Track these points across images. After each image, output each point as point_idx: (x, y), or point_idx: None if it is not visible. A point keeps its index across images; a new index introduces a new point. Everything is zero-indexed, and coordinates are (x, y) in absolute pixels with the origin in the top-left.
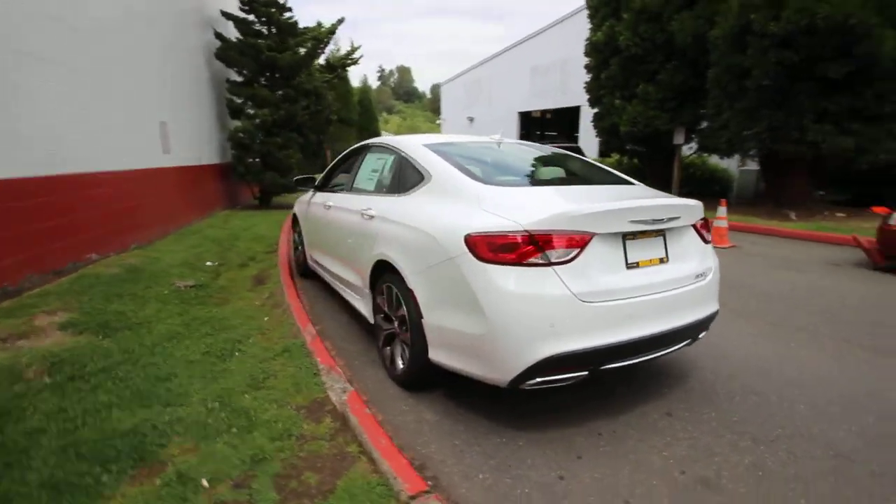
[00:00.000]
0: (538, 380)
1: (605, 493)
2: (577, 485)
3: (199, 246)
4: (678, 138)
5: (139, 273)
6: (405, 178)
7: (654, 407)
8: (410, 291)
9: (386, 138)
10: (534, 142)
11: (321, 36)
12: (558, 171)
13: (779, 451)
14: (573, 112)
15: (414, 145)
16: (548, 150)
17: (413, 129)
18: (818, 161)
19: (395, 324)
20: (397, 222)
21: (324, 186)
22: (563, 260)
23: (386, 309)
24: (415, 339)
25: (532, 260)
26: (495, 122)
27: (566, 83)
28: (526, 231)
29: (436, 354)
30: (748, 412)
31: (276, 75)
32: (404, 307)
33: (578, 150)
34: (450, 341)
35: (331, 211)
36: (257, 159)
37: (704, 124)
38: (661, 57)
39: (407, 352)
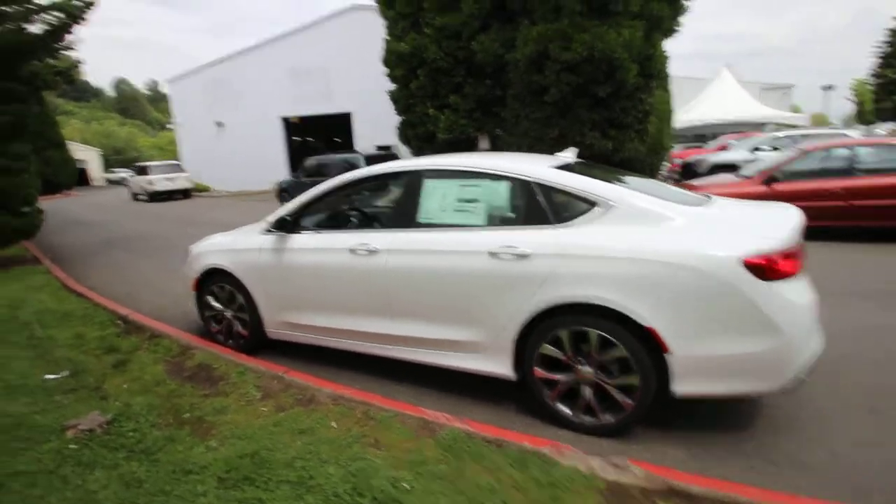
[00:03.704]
0: (798, 378)
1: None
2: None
3: None
4: (483, 144)
5: None
6: (557, 207)
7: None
8: (649, 330)
9: (467, 160)
10: (304, 149)
11: (71, 9)
12: (653, 184)
13: None
14: (341, 119)
15: (547, 171)
16: (583, 162)
17: (107, 135)
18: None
19: (591, 370)
20: (607, 258)
21: (299, 226)
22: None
23: (566, 357)
24: (647, 380)
25: (799, 272)
26: (253, 128)
27: (330, 89)
28: (789, 248)
29: (687, 386)
30: None
31: None
32: (623, 349)
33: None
34: (716, 367)
35: (380, 256)
36: None
37: (499, 131)
38: (463, 71)
39: (630, 396)
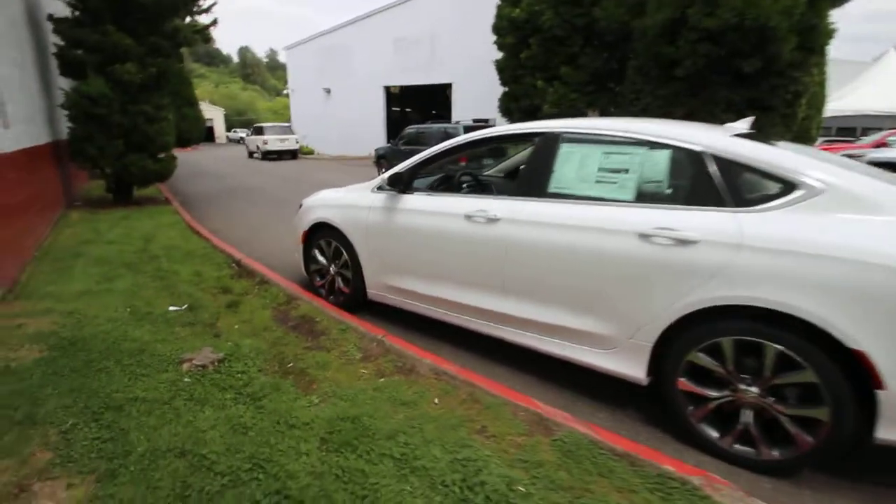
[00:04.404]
0: None
1: None
2: None
3: (115, 278)
4: None
5: (88, 351)
6: (739, 186)
7: None
8: (857, 354)
9: (617, 124)
10: (397, 119)
11: None
12: (872, 169)
13: None
14: (440, 89)
15: (731, 141)
16: (765, 135)
17: (230, 97)
18: None
19: (757, 391)
20: (810, 255)
21: (411, 187)
22: None
23: (724, 371)
24: (842, 417)
25: None
26: (358, 96)
27: (434, 59)
28: None
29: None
30: None
31: (137, 17)
32: (813, 374)
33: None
34: None
35: (500, 226)
36: (116, 137)
37: (613, 109)
38: (581, 40)
39: (813, 433)
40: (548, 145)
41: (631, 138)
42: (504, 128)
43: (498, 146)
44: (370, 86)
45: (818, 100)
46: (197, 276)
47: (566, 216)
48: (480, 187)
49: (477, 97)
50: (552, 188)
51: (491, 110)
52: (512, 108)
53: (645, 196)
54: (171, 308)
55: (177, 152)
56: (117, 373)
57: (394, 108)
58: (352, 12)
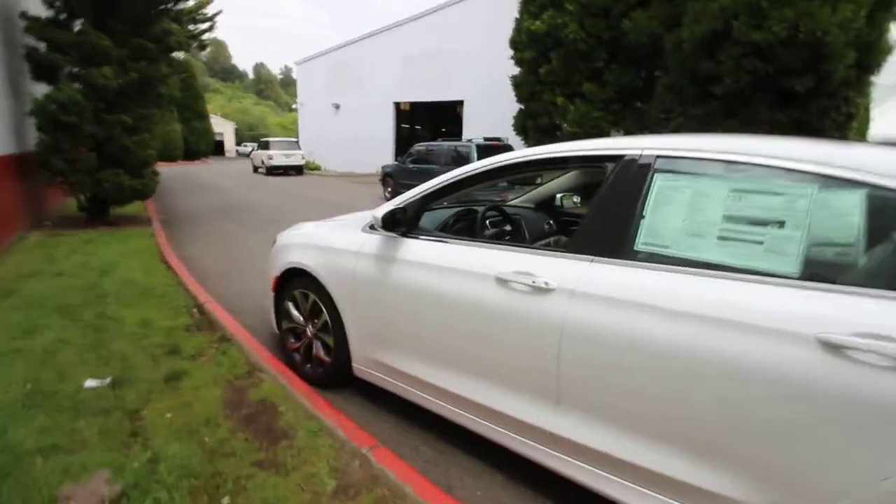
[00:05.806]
0: None
1: None
2: None
3: (37, 330)
4: None
5: None
6: None
7: None
8: None
9: (753, 144)
10: (414, 138)
11: None
12: None
13: None
14: (451, 106)
15: None
16: None
17: (243, 112)
18: None
19: None
20: None
21: (417, 227)
22: None
23: None
24: None
25: None
26: (367, 112)
27: (446, 75)
28: None
29: None
30: None
31: (122, 17)
32: None
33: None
34: None
35: (555, 300)
36: (88, 150)
37: (638, 129)
38: (606, 55)
39: None
40: (632, 176)
41: (784, 168)
42: (556, 147)
43: (541, 172)
44: (380, 102)
45: (863, 124)
46: (143, 326)
47: (671, 294)
48: (527, 235)
49: (489, 115)
50: (641, 244)
51: (503, 129)
52: (528, 126)
53: (822, 267)
54: (89, 383)
55: (183, 165)
56: None
57: (403, 125)
58: (367, 28)
